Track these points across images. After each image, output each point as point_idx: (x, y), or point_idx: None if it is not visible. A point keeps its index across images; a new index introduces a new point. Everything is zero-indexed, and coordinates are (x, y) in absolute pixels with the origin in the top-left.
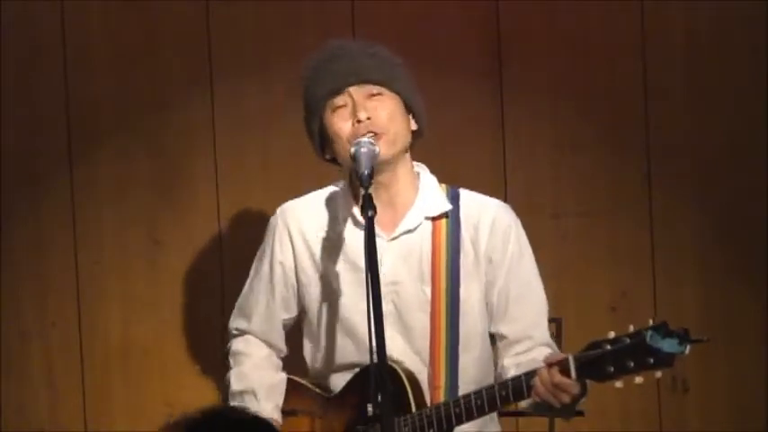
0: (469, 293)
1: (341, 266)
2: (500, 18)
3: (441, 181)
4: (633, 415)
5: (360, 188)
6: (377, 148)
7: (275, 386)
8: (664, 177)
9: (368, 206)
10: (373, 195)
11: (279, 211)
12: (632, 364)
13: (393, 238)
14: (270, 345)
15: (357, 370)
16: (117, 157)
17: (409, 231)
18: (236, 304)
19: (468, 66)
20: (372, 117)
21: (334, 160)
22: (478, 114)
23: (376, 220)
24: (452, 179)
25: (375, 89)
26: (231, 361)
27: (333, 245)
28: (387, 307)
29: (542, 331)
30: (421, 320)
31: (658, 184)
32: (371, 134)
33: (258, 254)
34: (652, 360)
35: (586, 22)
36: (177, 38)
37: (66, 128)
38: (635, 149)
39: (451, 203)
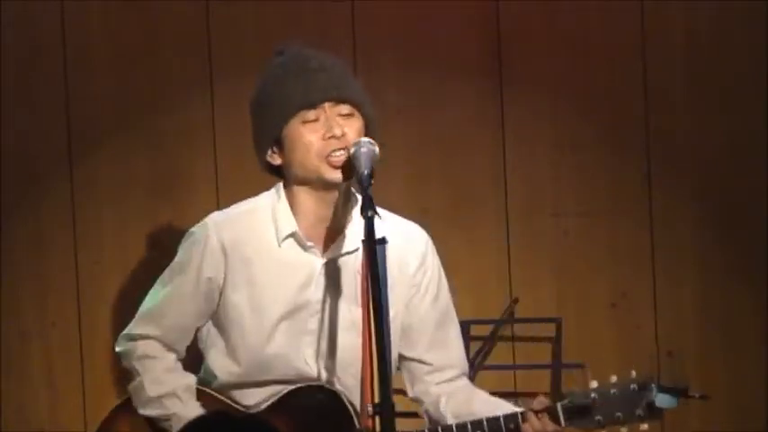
0: (395, 316)
1: (274, 286)
2: (500, 18)
3: (441, 181)
4: None
5: (287, 202)
6: (376, 149)
7: (191, 387)
8: (664, 177)
9: (368, 206)
10: (315, 211)
11: (210, 223)
12: (620, 415)
13: (331, 259)
14: (175, 351)
15: (278, 387)
16: (117, 157)
17: (347, 254)
18: (143, 310)
19: (468, 66)
20: (345, 134)
21: (273, 168)
22: (478, 114)
23: (311, 236)
24: (453, 179)
25: (347, 109)
26: (137, 366)
27: (268, 260)
28: (312, 326)
29: (463, 359)
30: (349, 340)
31: (658, 184)
32: (341, 151)
33: (177, 263)
34: (641, 413)
35: (586, 22)
36: (177, 38)
37: (66, 128)
38: (635, 149)
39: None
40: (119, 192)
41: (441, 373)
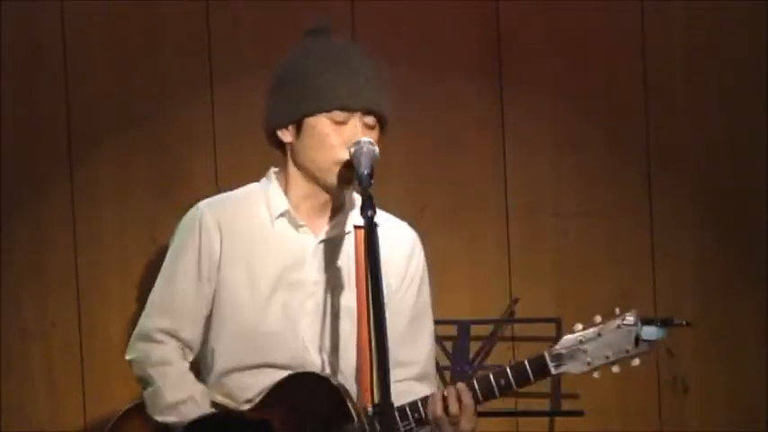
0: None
1: (268, 263)
2: (500, 18)
3: (441, 181)
4: (633, 415)
5: (285, 185)
6: (376, 149)
7: (206, 392)
8: (664, 177)
9: (368, 206)
10: (311, 197)
11: (203, 205)
12: (609, 354)
13: (322, 241)
14: (190, 350)
15: (269, 370)
16: (117, 157)
17: (339, 236)
18: (152, 303)
19: (468, 66)
20: None
21: (278, 142)
22: (478, 114)
23: (304, 217)
24: (453, 179)
25: (372, 121)
26: (153, 373)
27: (261, 238)
28: (309, 308)
29: (428, 361)
30: (344, 326)
31: (658, 184)
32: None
33: (176, 248)
34: (630, 349)
35: (586, 22)
36: (177, 38)
37: (66, 128)
38: (635, 149)
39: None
40: (119, 192)
41: (402, 370)
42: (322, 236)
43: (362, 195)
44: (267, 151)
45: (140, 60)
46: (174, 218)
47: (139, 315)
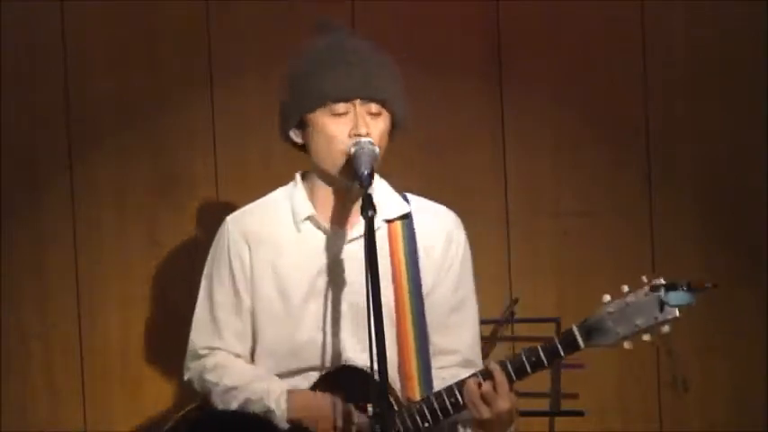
0: (428, 293)
1: (298, 270)
2: (500, 18)
3: (441, 181)
4: (633, 414)
5: (318, 186)
6: (377, 149)
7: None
8: (664, 177)
9: (368, 206)
10: (333, 197)
11: (228, 219)
12: (640, 323)
13: (351, 240)
14: (242, 358)
15: (312, 374)
16: (117, 157)
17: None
18: (198, 325)
19: (468, 66)
20: (369, 134)
21: (298, 145)
22: (479, 114)
23: (330, 219)
24: (453, 179)
25: (376, 108)
26: (211, 377)
27: (289, 245)
28: (345, 309)
29: (470, 346)
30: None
31: (658, 184)
32: None
33: (211, 265)
34: (658, 316)
35: (586, 22)
36: (177, 38)
37: (66, 128)
38: (635, 149)
39: (406, 207)
40: (119, 192)
41: (446, 357)
42: (351, 235)
43: (362, 195)
44: (267, 151)
45: (140, 60)
46: (175, 218)
47: (139, 315)
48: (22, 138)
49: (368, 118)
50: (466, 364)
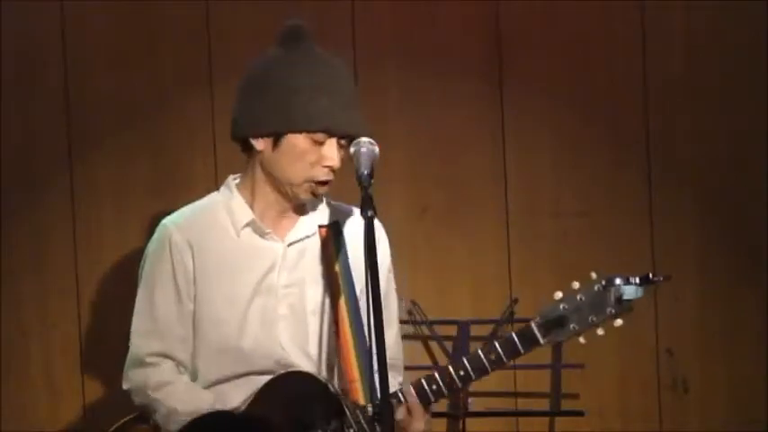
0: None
1: (240, 275)
2: (500, 18)
3: (441, 181)
4: (633, 415)
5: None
6: (376, 149)
7: (212, 399)
8: (664, 177)
9: (368, 206)
10: (276, 204)
11: (168, 224)
12: (594, 318)
13: (290, 244)
14: (184, 366)
15: (254, 378)
16: (117, 157)
17: (306, 237)
18: (137, 329)
19: (468, 66)
20: (334, 165)
21: (248, 148)
22: (478, 114)
23: (268, 224)
24: (453, 180)
25: (345, 142)
26: (156, 396)
27: (230, 250)
28: (286, 312)
29: (394, 348)
30: (316, 324)
31: (658, 184)
32: (328, 183)
33: (150, 272)
34: (612, 309)
35: (586, 22)
36: (177, 38)
37: (66, 128)
38: (635, 149)
39: (333, 214)
40: (119, 192)
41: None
42: (289, 240)
43: (362, 195)
44: None
45: (140, 60)
46: None
47: None
48: (22, 137)
49: (338, 150)
50: (390, 367)
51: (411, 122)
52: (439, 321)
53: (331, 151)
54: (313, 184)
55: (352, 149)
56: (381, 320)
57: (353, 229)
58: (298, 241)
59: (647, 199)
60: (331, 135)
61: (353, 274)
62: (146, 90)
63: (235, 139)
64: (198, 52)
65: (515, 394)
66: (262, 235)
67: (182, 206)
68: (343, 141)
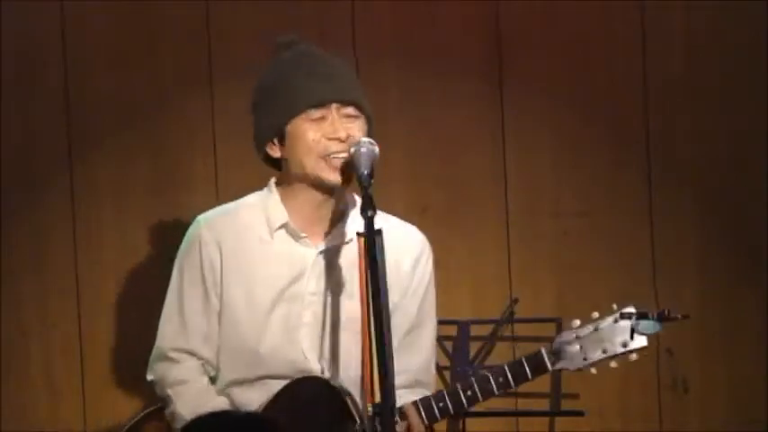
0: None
1: (267, 279)
2: (500, 19)
3: (441, 181)
4: (633, 415)
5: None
6: (376, 148)
7: (227, 405)
8: (664, 177)
9: (368, 206)
10: (310, 207)
11: (201, 220)
12: (606, 350)
13: (322, 251)
14: (210, 364)
15: (272, 382)
16: (117, 157)
17: (340, 245)
18: (165, 322)
19: (468, 66)
20: (349, 136)
21: (271, 159)
22: (478, 114)
23: (304, 228)
24: (453, 180)
25: (353, 111)
26: (170, 393)
27: (261, 252)
28: (307, 318)
29: (423, 369)
30: (346, 336)
31: (658, 184)
32: (343, 153)
33: (180, 266)
34: (627, 344)
35: (586, 22)
36: (177, 38)
37: (66, 128)
38: (635, 149)
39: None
40: (119, 192)
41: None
42: (322, 246)
43: (362, 195)
44: None
45: (140, 60)
46: (174, 218)
47: (139, 316)
48: (22, 137)
49: (346, 121)
50: (414, 384)
51: (411, 122)
52: (439, 321)
53: (332, 123)
54: (328, 158)
55: (351, 150)
56: (381, 323)
57: (398, 242)
58: (332, 248)
59: (647, 199)
60: (322, 106)
61: (390, 287)
62: (146, 90)
63: (263, 160)
64: (198, 52)
65: (515, 394)
66: (296, 239)
67: (181, 206)
68: (349, 111)
